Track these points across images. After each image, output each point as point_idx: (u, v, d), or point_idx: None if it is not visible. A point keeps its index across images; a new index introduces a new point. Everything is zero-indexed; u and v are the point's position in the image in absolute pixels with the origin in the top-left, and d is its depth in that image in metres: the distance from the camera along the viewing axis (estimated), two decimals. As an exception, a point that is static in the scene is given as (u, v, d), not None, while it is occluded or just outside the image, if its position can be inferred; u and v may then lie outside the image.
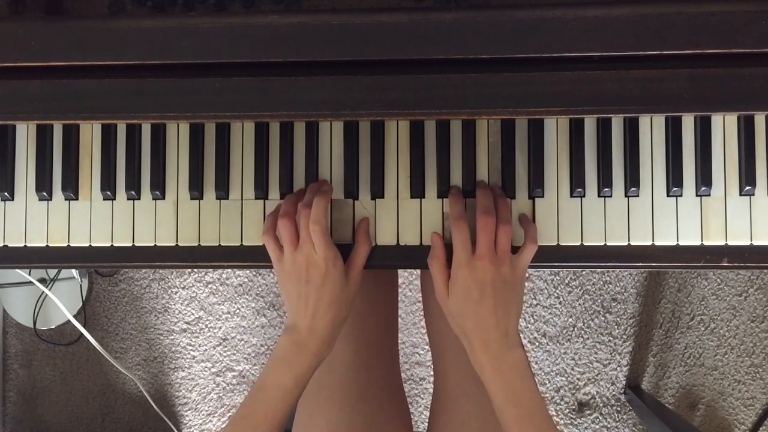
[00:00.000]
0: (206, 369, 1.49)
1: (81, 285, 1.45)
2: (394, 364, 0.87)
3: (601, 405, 1.45)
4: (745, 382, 1.43)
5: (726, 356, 1.43)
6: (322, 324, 0.67)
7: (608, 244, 0.71)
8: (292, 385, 0.66)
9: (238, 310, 1.48)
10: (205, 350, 1.49)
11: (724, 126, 0.71)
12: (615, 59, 0.61)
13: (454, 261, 0.67)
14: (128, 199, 0.74)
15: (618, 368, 1.44)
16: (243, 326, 1.48)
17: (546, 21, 0.60)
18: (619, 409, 1.45)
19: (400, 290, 1.43)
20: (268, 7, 0.65)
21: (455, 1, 0.65)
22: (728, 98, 0.61)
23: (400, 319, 1.35)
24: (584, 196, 0.72)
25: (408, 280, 1.45)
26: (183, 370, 1.49)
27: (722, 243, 0.70)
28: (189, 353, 1.49)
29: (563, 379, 1.45)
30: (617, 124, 0.72)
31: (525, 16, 0.60)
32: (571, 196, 0.72)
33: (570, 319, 1.44)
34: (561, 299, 1.44)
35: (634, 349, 1.44)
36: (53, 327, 1.48)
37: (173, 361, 1.49)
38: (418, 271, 1.40)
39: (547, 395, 1.45)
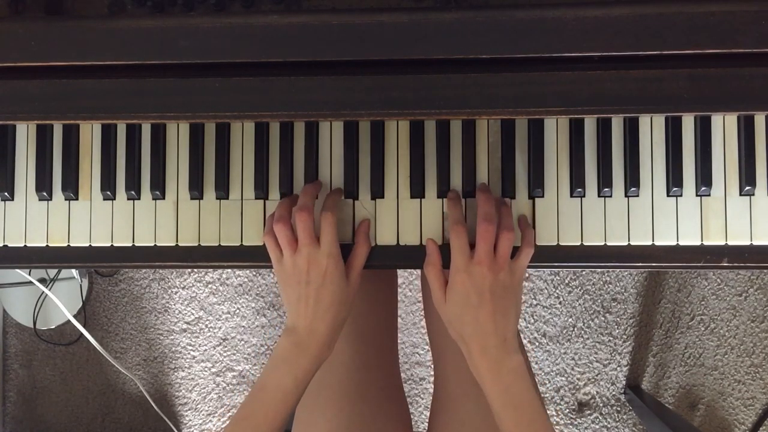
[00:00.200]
0: (206, 369, 1.49)
1: (81, 285, 1.45)
2: (394, 364, 0.87)
3: (601, 405, 1.45)
4: (745, 382, 1.43)
5: (726, 356, 1.43)
6: (322, 325, 0.67)
7: (608, 244, 0.71)
8: (293, 386, 0.66)
9: (238, 310, 1.48)
10: (205, 350, 1.49)
11: (724, 126, 0.71)
12: (615, 59, 0.61)
13: (452, 266, 0.66)
14: (128, 199, 0.74)
15: (618, 368, 1.44)
16: (243, 326, 1.48)
17: (546, 21, 0.60)
18: (619, 409, 1.45)
19: (400, 290, 1.43)
20: (268, 7, 0.65)
21: (455, 1, 0.65)
22: (728, 98, 0.61)
23: (400, 319, 1.36)
24: (584, 196, 0.72)
25: (408, 280, 1.45)
26: (183, 370, 1.49)
27: (722, 243, 0.70)
28: (189, 353, 1.49)
29: (563, 379, 1.45)
30: (617, 124, 0.72)
31: (525, 16, 0.60)
32: (571, 196, 0.72)
33: (570, 319, 1.44)
34: (561, 299, 1.44)
35: (634, 349, 1.44)
36: (53, 327, 1.48)
37: (173, 361, 1.49)
38: (418, 271, 1.40)
39: (547, 395, 1.45)
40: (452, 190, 0.72)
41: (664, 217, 0.71)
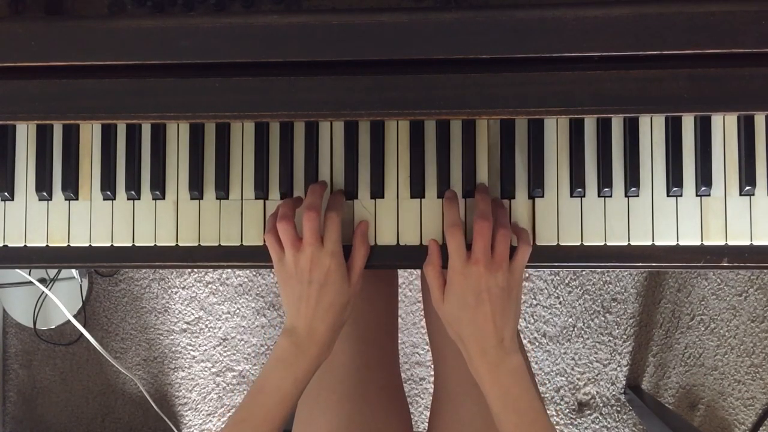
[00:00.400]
0: (206, 369, 1.49)
1: (81, 285, 1.45)
2: (394, 364, 0.87)
3: (601, 405, 1.45)
4: (745, 382, 1.43)
5: (726, 356, 1.43)
6: (322, 326, 0.67)
7: (608, 244, 0.71)
8: (292, 387, 0.66)
9: (238, 310, 1.48)
10: (205, 350, 1.49)
11: (724, 126, 0.71)
12: (615, 59, 0.61)
13: (450, 267, 0.66)
14: (128, 199, 0.74)
15: (618, 368, 1.44)
16: (243, 326, 1.48)
17: (546, 21, 0.60)
18: (619, 409, 1.45)
19: (400, 290, 1.43)
20: (268, 7, 0.65)
21: (455, 1, 0.65)
22: (728, 98, 0.61)
23: (400, 319, 1.35)
24: (584, 196, 0.72)
25: (408, 280, 1.45)
26: (183, 370, 1.49)
27: (722, 243, 0.70)
28: (189, 353, 1.49)
29: (563, 379, 1.45)
30: (617, 124, 0.72)
31: (525, 16, 0.60)
32: (571, 196, 0.72)
33: (570, 319, 1.44)
34: (561, 299, 1.44)
35: (634, 349, 1.44)
36: (53, 327, 1.48)
37: (173, 361, 1.49)
38: (418, 271, 1.40)
39: (547, 395, 1.45)
40: (449, 190, 0.71)
41: (664, 217, 0.71)
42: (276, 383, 0.66)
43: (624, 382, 1.44)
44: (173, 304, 1.49)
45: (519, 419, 0.63)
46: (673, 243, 0.71)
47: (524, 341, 1.44)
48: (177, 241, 0.74)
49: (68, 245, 0.75)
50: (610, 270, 1.44)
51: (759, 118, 0.71)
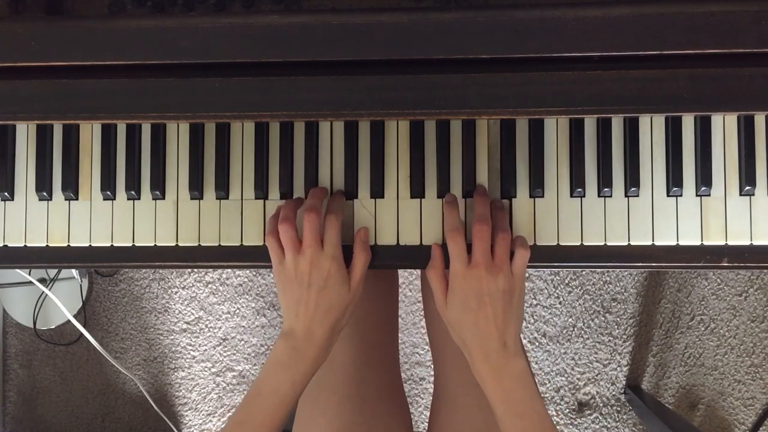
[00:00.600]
0: (206, 369, 1.49)
1: (81, 285, 1.45)
2: (394, 364, 0.87)
3: (601, 405, 1.45)
4: (745, 382, 1.43)
5: (726, 356, 1.43)
6: (321, 330, 0.67)
7: (608, 244, 0.71)
8: (290, 390, 0.66)
9: (238, 310, 1.48)
10: (205, 350, 1.49)
11: (724, 126, 0.71)
12: (615, 59, 0.61)
13: (451, 271, 0.66)
14: (128, 199, 0.74)
15: (618, 368, 1.44)
16: (243, 326, 1.48)
17: (546, 21, 0.60)
18: (619, 409, 1.45)
19: (400, 290, 1.43)
20: (268, 7, 0.65)
21: (455, 1, 0.65)
22: (728, 98, 0.61)
23: (400, 319, 1.35)
24: (584, 196, 0.72)
25: (408, 280, 1.45)
26: (183, 370, 1.49)
27: (722, 243, 0.70)
28: (189, 353, 1.49)
29: (563, 379, 1.45)
30: (617, 124, 0.72)
31: (525, 16, 0.60)
32: (571, 196, 0.72)
33: (570, 319, 1.44)
34: (561, 299, 1.44)
35: (634, 349, 1.44)
36: (53, 327, 1.48)
37: (173, 361, 1.49)
38: (418, 271, 1.40)
39: (547, 395, 1.45)
40: (448, 194, 0.71)
41: (664, 217, 0.71)
42: (274, 386, 0.66)
43: (624, 382, 1.44)
44: (173, 304, 1.49)
45: (522, 424, 0.63)
46: (673, 243, 0.71)
47: (524, 341, 1.44)
48: (177, 241, 0.74)
49: (68, 245, 0.75)
50: (610, 270, 1.44)
51: (759, 118, 0.71)
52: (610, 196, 0.71)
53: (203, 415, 1.50)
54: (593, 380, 1.44)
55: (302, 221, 0.67)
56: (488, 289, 0.64)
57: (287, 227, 0.67)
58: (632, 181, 0.71)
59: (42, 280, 1.41)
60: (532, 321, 1.44)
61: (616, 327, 1.44)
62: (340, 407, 0.79)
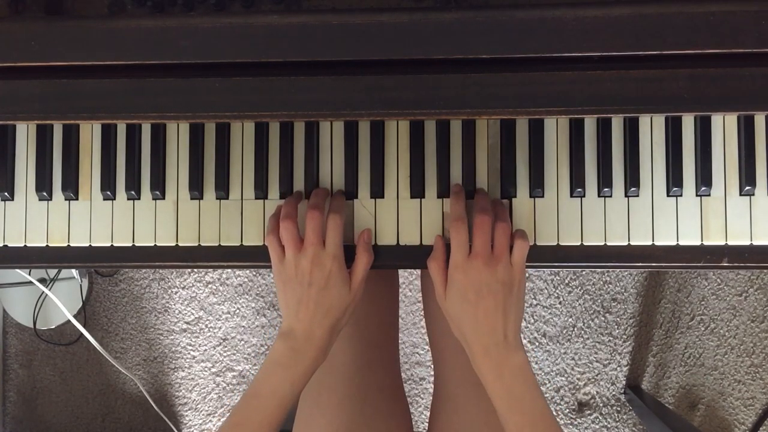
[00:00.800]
0: (206, 369, 1.49)
1: (81, 285, 1.45)
2: (395, 365, 0.87)
3: (601, 405, 1.45)
4: (745, 382, 1.43)
5: (726, 356, 1.43)
6: (320, 330, 0.66)
7: (608, 244, 0.71)
8: (289, 391, 0.66)
9: (238, 310, 1.48)
10: (205, 350, 1.49)
11: (724, 126, 0.71)
12: (615, 59, 0.61)
13: (451, 262, 0.66)
14: (128, 199, 0.74)
15: (618, 368, 1.44)
16: (243, 326, 1.48)
17: (546, 21, 0.60)
18: (619, 409, 1.45)
19: (400, 290, 1.43)
20: (268, 7, 0.65)
21: (455, 1, 0.65)
22: (728, 98, 0.61)
23: (400, 319, 1.35)
24: (584, 196, 0.72)
25: (408, 280, 1.45)
26: (183, 370, 1.49)
27: (722, 243, 0.70)
28: (189, 353, 1.49)
29: (563, 379, 1.45)
30: (617, 124, 0.72)
31: (525, 16, 0.60)
32: (571, 196, 0.72)
33: (570, 319, 1.44)
34: (561, 299, 1.44)
35: (634, 349, 1.44)
36: (53, 327, 1.48)
37: (173, 361, 1.49)
38: (418, 271, 1.40)
39: (547, 395, 1.45)
40: (455, 184, 0.71)
41: (664, 217, 0.71)
42: (272, 387, 0.66)
43: (624, 382, 1.44)
44: (173, 304, 1.49)
45: (522, 419, 0.63)
46: (673, 243, 0.71)
47: (524, 341, 1.44)
48: (177, 241, 0.74)
49: (68, 245, 0.75)
50: (610, 270, 1.44)
51: (759, 118, 0.71)
52: (610, 196, 0.71)
53: (203, 415, 1.50)
54: (593, 380, 1.44)
55: (304, 219, 0.67)
56: (487, 280, 0.64)
57: (289, 224, 0.67)
58: (632, 181, 0.71)
59: (42, 280, 1.41)
60: (532, 321, 1.44)
61: (616, 327, 1.44)
62: (341, 407, 0.79)
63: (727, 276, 1.42)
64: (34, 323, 1.45)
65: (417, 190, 0.72)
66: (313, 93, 0.62)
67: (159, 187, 0.74)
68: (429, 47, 0.61)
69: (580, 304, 1.44)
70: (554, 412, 1.45)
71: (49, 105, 0.64)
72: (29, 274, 1.33)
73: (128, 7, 0.66)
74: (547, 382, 1.45)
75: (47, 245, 0.75)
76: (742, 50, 0.60)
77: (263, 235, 0.72)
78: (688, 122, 0.71)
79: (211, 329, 1.48)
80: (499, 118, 0.71)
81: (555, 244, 0.71)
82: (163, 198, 0.74)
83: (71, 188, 0.74)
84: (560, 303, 1.44)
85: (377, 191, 0.72)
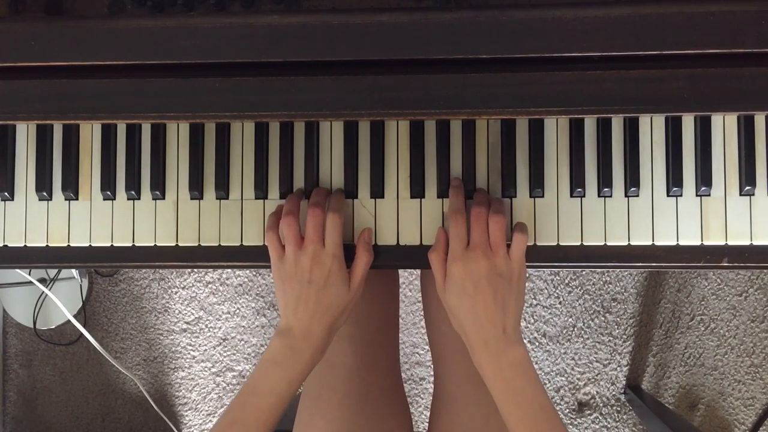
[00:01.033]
0: (206, 369, 1.49)
1: (81, 285, 1.45)
2: (395, 365, 0.87)
3: (601, 405, 1.45)
4: (745, 382, 1.43)
5: (726, 356, 1.43)
6: (318, 329, 0.66)
7: (608, 244, 0.71)
8: (285, 390, 0.65)
9: (238, 310, 1.48)
10: (205, 350, 1.49)
11: (724, 126, 0.71)
12: (615, 59, 0.61)
13: (449, 254, 0.66)
14: (128, 199, 0.74)
15: (618, 368, 1.44)
16: (243, 326, 1.48)
17: (546, 21, 0.60)
18: (619, 409, 1.45)
19: (400, 290, 1.43)
20: (268, 7, 0.65)
21: (455, 1, 0.65)
22: (728, 98, 0.61)
23: (400, 319, 1.35)
24: (584, 196, 0.72)
25: (408, 280, 1.45)
26: (183, 370, 1.49)
27: (722, 243, 0.70)
28: (189, 353, 1.49)
29: (563, 379, 1.45)
30: (617, 124, 0.72)
31: (525, 16, 0.60)
32: (571, 196, 0.72)
33: (570, 319, 1.44)
34: (561, 299, 1.44)
35: (634, 349, 1.44)
36: (53, 327, 1.48)
37: (173, 361, 1.49)
38: (418, 271, 1.40)
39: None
40: (455, 178, 0.71)
41: (664, 217, 0.71)
42: (269, 386, 0.65)
43: (624, 382, 1.44)
44: (173, 304, 1.49)
45: (523, 412, 0.63)
46: (673, 243, 0.71)
47: (524, 341, 1.44)
48: (177, 241, 0.74)
49: (68, 245, 0.75)
50: (610, 270, 1.44)
51: (759, 118, 0.71)
52: (610, 196, 0.71)
53: (203, 415, 1.50)
54: (593, 380, 1.44)
55: (303, 219, 0.67)
56: (486, 272, 0.64)
57: (291, 220, 0.67)
58: (632, 181, 0.71)
59: (42, 280, 1.41)
60: (532, 321, 1.44)
61: (616, 327, 1.44)
62: (341, 408, 0.79)
63: (727, 276, 1.42)
64: (34, 323, 1.45)
65: (417, 190, 0.72)
66: (313, 93, 0.62)
67: (159, 187, 0.74)
68: (429, 47, 0.61)
69: (580, 304, 1.44)
70: (554, 412, 1.45)
71: (49, 105, 0.64)
72: (29, 274, 1.33)
73: (128, 7, 0.66)
74: (547, 382, 1.45)
75: (47, 245, 0.75)
76: (742, 50, 0.60)
77: (263, 235, 0.72)
78: (688, 122, 0.71)
79: (211, 329, 1.48)
80: (499, 118, 0.71)
81: (555, 244, 0.71)
82: (163, 198, 0.74)
83: (71, 188, 0.74)
84: (560, 303, 1.44)
85: (377, 191, 0.72)
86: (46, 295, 1.31)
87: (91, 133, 0.75)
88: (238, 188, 0.74)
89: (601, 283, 1.44)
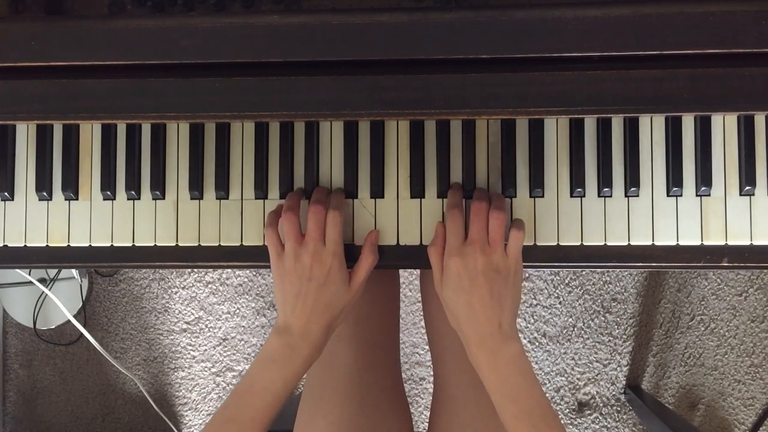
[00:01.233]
0: (206, 369, 1.49)
1: (81, 285, 1.45)
2: (395, 365, 0.87)
3: (601, 405, 1.45)
4: (745, 382, 1.43)
5: (726, 356, 1.43)
6: (317, 327, 0.66)
7: (608, 244, 0.71)
8: (281, 389, 0.65)
9: (238, 310, 1.48)
10: (205, 350, 1.49)
11: (724, 126, 0.71)
12: (615, 59, 0.61)
13: (447, 249, 0.66)
14: (128, 199, 0.74)
15: (618, 368, 1.44)
16: (243, 326, 1.48)
17: (546, 21, 0.60)
18: (619, 409, 1.45)
19: (400, 290, 1.43)
20: (268, 7, 0.65)
21: (455, 1, 0.65)
22: (728, 98, 0.61)
23: (400, 319, 1.35)
24: (584, 196, 0.72)
25: (408, 280, 1.45)
26: (183, 370, 1.49)
27: (722, 243, 0.70)
28: (189, 353, 1.49)
29: (563, 379, 1.45)
30: (617, 124, 0.72)
31: (525, 16, 0.60)
32: (571, 196, 0.72)
33: (570, 319, 1.44)
34: (561, 299, 1.44)
35: (634, 349, 1.44)
36: (53, 327, 1.48)
37: (173, 361, 1.49)
38: (418, 271, 1.40)
39: (547, 395, 1.45)
40: (455, 182, 0.72)
41: (664, 217, 0.71)
42: (265, 384, 0.65)
43: (624, 382, 1.44)
44: (173, 304, 1.49)
45: (518, 408, 0.62)
46: (673, 243, 0.71)
47: (524, 341, 1.44)
48: (177, 241, 0.74)
49: (68, 245, 0.75)
50: (610, 270, 1.44)
51: (759, 118, 0.71)
52: (610, 196, 0.71)
53: (203, 415, 1.50)
54: (593, 380, 1.44)
55: (304, 216, 0.67)
56: (483, 267, 0.64)
57: (291, 216, 0.67)
58: (632, 181, 0.71)
59: (42, 280, 1.41)
60: (532, 321, 1.44)
61: (616, 327, 1.44)
62: (342, 408, 0.79)
63: (727, 276, 1.42)
64: (34, 323, 1.45)
65: (417, 190, 0.72)
66: (313, 93, 0.62)
67: (159, 187, 0.74)
68: (429, 47, 0.61)
69: (580, 304, 1.44)
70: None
71: (49, 105, 0.64)
72: (29, 274, 1.33)
73: (128, 7, 0.66)
74: (547, 382, 1.45)
75: (47, 245, 0.75)
76: (742, 50, 0.60)
77: (263, 235, 0.72)
78: (688, 122, 0.71)
79: (211, 329, 1.48)
80: (499, 118, 0.71)
81: (555, 244, 0.71)
82: (163, 198, 0.74)
83: (71, 188, 0.74)
84: (560, 303, 1.44)
85: (377, 191, 0.72)
86: (46, 295, 1.31)
87: (91, 133, 0.75)
88: (238, 188, 0.74)
89: (601, 283, 1.44)
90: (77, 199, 0.75)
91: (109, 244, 0.74)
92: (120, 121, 0.73)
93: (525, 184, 0.72)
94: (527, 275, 1.44)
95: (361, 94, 0.62)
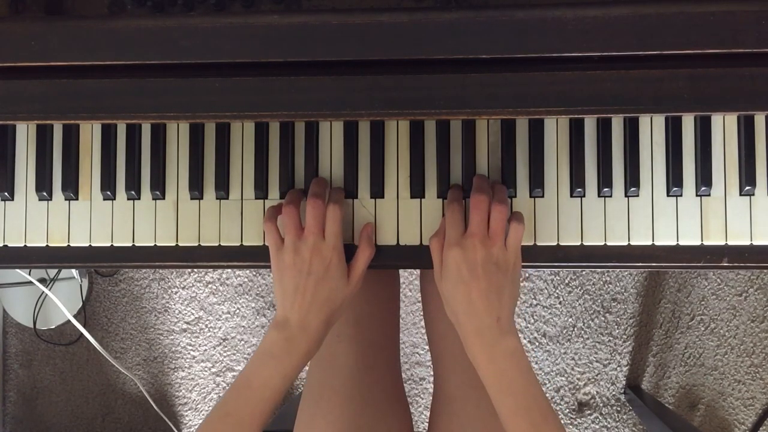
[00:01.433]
0: (206, 369, 1.49)
1: (81, 285, 1.45)
2: (396, 365, 0.87)
3: (601, 405, 1.45)
4: (745, 382, 1.43)
5: (726, 356, 1.43)
6: (315, 321, 0.66)
7: (608, 244, 0.71)
8: (280, 384, 0.65)
9: (238, 310, 1.48)
10: (205, 350, 1.49)
11: (724, 126, 0.71)
12: (615, 59, 0.61)
13: (446, 241, 0.66)
14: (128, 199, 0.74)
15: (618, 368, 1.44)
16: (243, 326, 1.48)
17: (546, 21, 0.60)
18: (619, 409, 1.45)
19: (400, 290, 1.43)
20: (268, 7, 0.65)
21: (455, 1, 0.65)
22: (728, 98, 0.61)
23: (400, 319, 1.35)
24: (584, 196, 0.72)
25: (408, 280, 1.45)
26: (183, 370, 1.49)
27: (722, 243, 0.70)
28: (189, 353, 1.49)
29: (563, 379, 1.45)
30: (617, 124, 0.72)
31: (525, 16, 0.60)
32: (571, 195, 0.72)
33: (570, 319, 1.44)
34: (561, 299, 1.44)
35: (634, 349, 1.44)
36: (53, 327, 1.48)
37: (173, 361, 1.49)
38: (418, 271, 1.40)
39: (547, 395, 1.45)
40: (455, 184, 0.72)
41: (664, 217, 0.71)
42: (264, 379, 0.65)
43: (624, 382, 1.44)
44: (173, 304, 1.49)
45: (515, 403, 0.62)
46: (673, 243, 0.71)
47: (524, 341, 1.44)
48: (177, 241, 0.74)
49: (68, 245, 0.75)
50: (610, 270, 1.44)
51: (759, 118, 0.71)
52: (610, 196, 0.71)
53: (203, 415, 1.50)
54: (593, 380, 1.44)
55: (304, 214, 0.67)
56: (482, 260, 0.63)
57: (291, 209, 0.67)
58: (632, 181, 0.71)
59: (42, 280, 1.41)
60: (532, 321, 1.44)
61: (616, 327, 1.44)
62: (342, 408, 0.79)
63: (727, 276, 1.42)
64: (34, 323, 1.45)
65: (417, 190, 0.72)
66: (313, 93, 0.62)
67: (159, 187, 0.74)
68: (429, 47, 0.61)
69: (580, 304, 1.44)
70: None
71: (49, 105, 0.64)
72: (29, 274, 1.33)
73: (128, 7, 0.66)
74: (547, 382, 1.45)
75: (47, 245, 0.75)
76: (742, 50, 0.60)
77: (263, 235, 0.72)
78: (688, 122, 0.71)
79: (211, 329, 1.48)
80: (499, 118, 0.71)
81: (555, 244, 0.71)
82: (163, 198, 0.74)
83: (71, 188, 0.74)
84: (560, 303, 1.44)
85: (377, 191, 0.72)
86: (46, 295, 1.31)
87: (91, 133, 0.75)
88: (238, 188, 0.74)
89: (601, 283, 1.44)
90: (77, 199, 0.75)
91: (109, 244, 0.74)
92: (120, 121, 0.73)
93: (525, 184, 0.72)
94: (527, 275, 1.44)
95: (361, 94, 0.62)
